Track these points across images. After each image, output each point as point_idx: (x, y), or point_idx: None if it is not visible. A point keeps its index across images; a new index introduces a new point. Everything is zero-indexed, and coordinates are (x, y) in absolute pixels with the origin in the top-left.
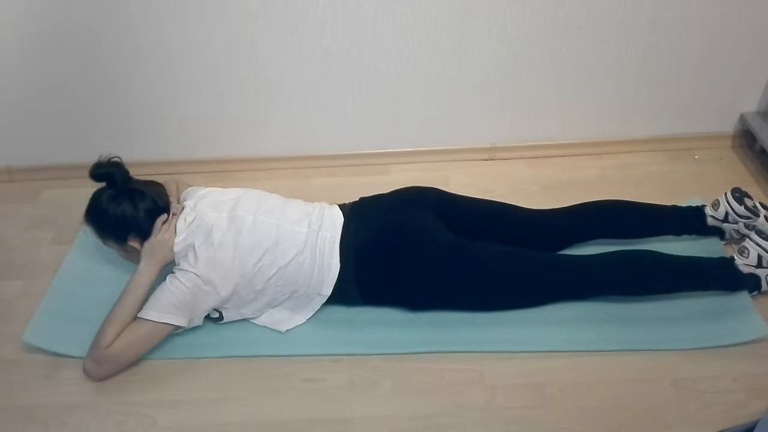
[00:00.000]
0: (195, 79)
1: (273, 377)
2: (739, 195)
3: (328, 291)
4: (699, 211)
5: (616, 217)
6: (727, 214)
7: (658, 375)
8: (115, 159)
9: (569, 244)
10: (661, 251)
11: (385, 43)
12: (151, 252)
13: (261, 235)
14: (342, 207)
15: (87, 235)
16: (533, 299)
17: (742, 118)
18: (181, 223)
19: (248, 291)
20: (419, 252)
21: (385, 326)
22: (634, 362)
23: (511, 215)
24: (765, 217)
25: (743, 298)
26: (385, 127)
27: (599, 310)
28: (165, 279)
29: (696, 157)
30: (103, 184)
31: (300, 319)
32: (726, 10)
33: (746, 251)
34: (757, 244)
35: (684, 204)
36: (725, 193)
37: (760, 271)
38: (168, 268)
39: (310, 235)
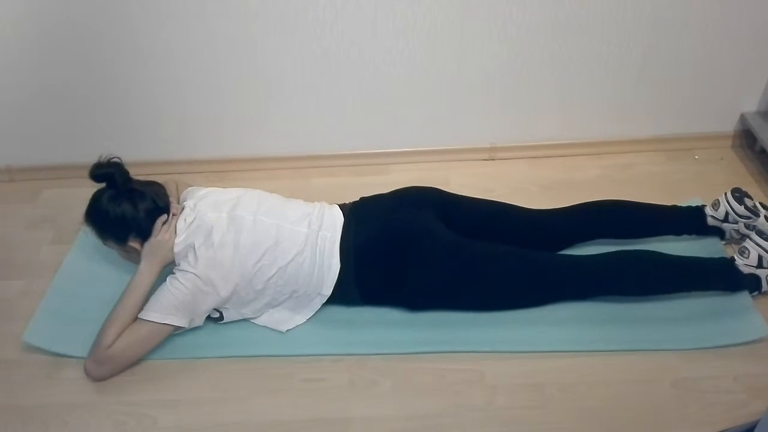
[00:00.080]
0: (195, 79)
1: (273, 377)
2: (739, 195)
3: (328, 291)
4: (699, 211)
5: (616, 217)
6: (727, 214)
7: (659, 375)
8: (115, 159)
9: (569, 244)
10: (661, 251)
11: (385, 43)
12: (152, 252)
13: (261, 235)
14: (342, 207)
15: (87, 236)
16: (533, 299)
17: (743, 118)
18: (181, 224)
19: (248, 291)
20: (419, 252)
21: (385, 326)
22: (634, 362)
23: (511, 215)
24: (765, 217)
25: (743, 298)
26: (385, 127)
27: (599, 310)
28: (165, 279)
29: (696, 157)
30: (103, 185)
31: (300, 319)
32: (726, 10)
33: (747, 251)
34: (758, 245)
35: (684, 204)
36: (725, 193)
37: (760, 272)
38: (168, 268)
39: (310, 235)
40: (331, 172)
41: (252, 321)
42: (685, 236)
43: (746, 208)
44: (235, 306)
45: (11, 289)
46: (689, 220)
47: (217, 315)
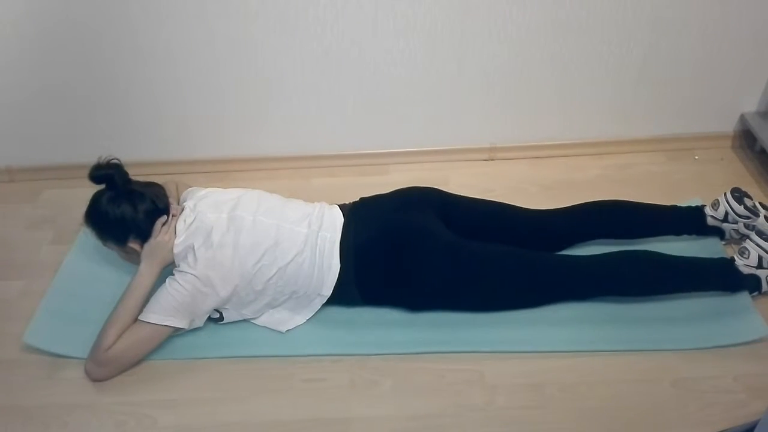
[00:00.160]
0: (195, 79)
1: (273, 377)
2: (739, 195)
3: (328, 291)
4: (699, 211)
5: (616, 217)
6: (726, 213)
7: (659, 375)
8: (115, 160)
9: (569, 244)
10: (661, 251)
11: (386, 42)
12: (151, 254)
13: (261, 235)
14: (342, 207)
15: (87, 236)
16: (533, 299)
17: (742, 119)
18: (180, 225)
19: (248, 291)
20: (419, 252)
21: (385, 326)
22: (634, 362)
23: (511, 215)
24: (765, 217)
25: (743, 298)
26: (386, 127)
27: (599, 310)
28: (165, 281)
29: (696, 157)
30: (102, 186)
31: (300, 319)
32: (726, 10)
33: (747, 252)
34: (758, 245)
35: (684, 204)
36: (725, 193)
37: (760, 272)
38: (169, 269)
39: (310, 236)
40: (331, 172)
41: (252, 321)
42: (684, 236)
43: (746, 208)
44: (235, 306)
45: (11, 289)
46: (689, 220)
47: (217, 315)
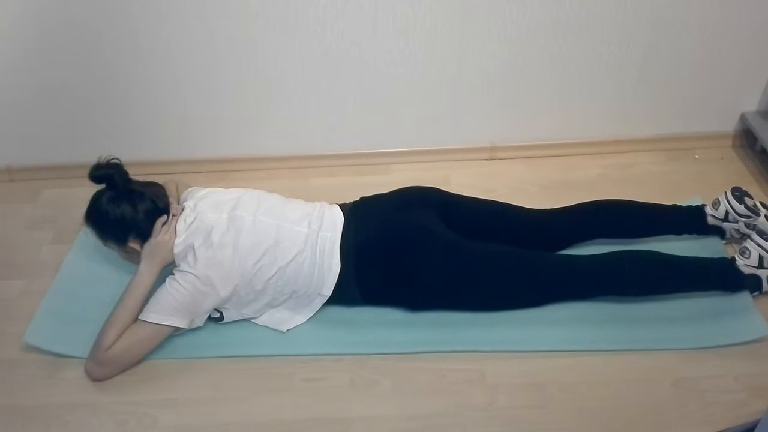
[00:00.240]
0: (195, 79)
1: (273, 377)
2: (740, 194)
3: (328, 291)
4: (699, 210)
5: (616, 217)
6: (727, 213)
7: (659, 375)
8: (115, 160)
9: (569, 244)
10: (662, 251)
11: (386, 42)
12: (151, 253)
13: (261, 235)
14: (342, 207)
15: (87, 236)
16: (533, 299)
17: (743, 118)
18: (181, 224)
19: (248, 291)
20: (420, 252)
21: (385, 326)
22: (634, 362)
23: (511, 215)
24: (765, 216)
25: (744, 297)
26: (386, 127)
27: (599, 310)
28: (165, 280)
29: (696, 156)
30: (102, 186)
31: (300, 318)
32: (726, 10)
33: (747, 252)
34: (759, 245)
35: (684, 203)
36: (725, 193)
37: (761, 272)
38: (169, 268)
39: (310, 235)
40: (331, 171)
41: (252, 321)
42: (685, 236)
43: (746, 207)
44: (235, 306)
45: (11, 288)
46: (689, 220)
47: (217, 315)
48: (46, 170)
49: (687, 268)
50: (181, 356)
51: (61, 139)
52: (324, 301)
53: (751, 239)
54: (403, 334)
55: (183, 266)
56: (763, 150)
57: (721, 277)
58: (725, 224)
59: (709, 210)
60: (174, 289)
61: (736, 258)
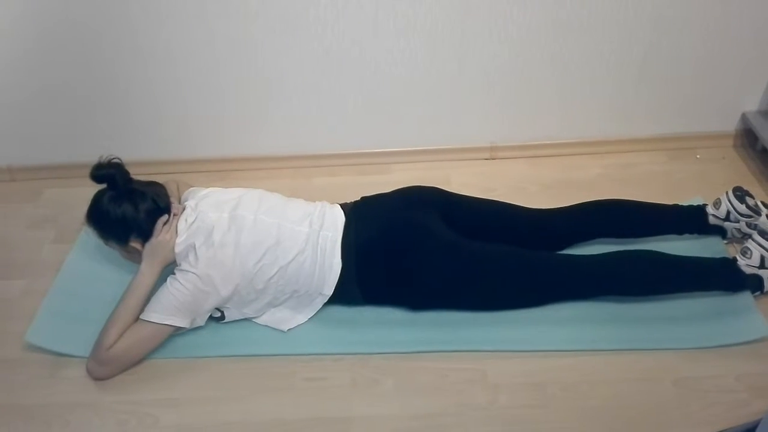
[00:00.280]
0: (195, 79)
1: (274, 376)
2: (741, 194)
3: (329, 291)
4: (700, 210)
5: (617, 217)
6: (728, 212)
7: (660, 374)
8: (116, 160)
9: (570, 243)
10: (663, 251)
11: (387, 42)
12: (153, 253)
13: (262, 234)
14: (343, 206)
15: (88, 235)
16: (534, 299)
17: (744, 118)
18: (182, 224)
19: (249, 291)
20: (421, 251)
21: (386, 325)
22: (635, 362)
23: (512, 215)
24: (767, 215)
25: (745, 297)
26: (386, 127)
27: (601, 309)
28: (166, 280)
29: (698, 156)
30: (104, 186)
31: (302, 318)
32: (727, 9)
33: (749, 252)
34: (760, 245)
35: (685, 203)
36: (727, 192)
37: (762, 272)
38: (170, 268)
39: (311, 235)
40: (332, 171)
41: (253, 320)
42: (686, 235)
43: (748, 207)
44: (236, 305)
45: (13, 288)
46: (691, 219)
47: (218, 314)
48: (48, 170)
49: (688, 268)
50: (182, 356)
51: (62, 138)
52: (325, 301)
53: (753, 239)
54: (404, 333)
55: (184, 266)
56: (764, 150)
57: (723, 277)
58: (726, 224)
59: (710, 210)
60: (175, 288)
61: (738, 258)
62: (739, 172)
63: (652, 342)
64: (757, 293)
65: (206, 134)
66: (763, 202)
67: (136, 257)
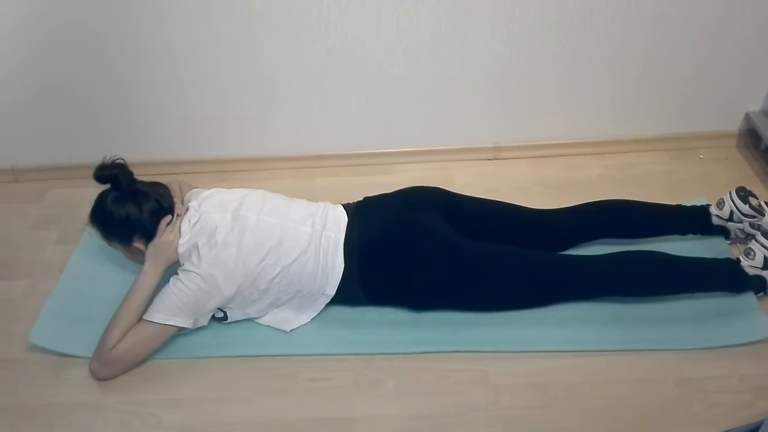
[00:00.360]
0: (198, 79)
1: (277, 377)
2: (744, 194)
3: (332, 291)
4: (704, 210)
5: (619, 217)
6: (731, 213)
7: (662, 375)
8: (119, 160)
9: (573, 244)
10: (666, 251)
11: (389, 42)
12: (156, 253)
13: (264, 234)
14: (346, 207)
15: (91, 236)
16: (536, 299)
17: (747, 117)
18: (185, 224)
19: (252, 291)
20: (423, 252)
21: (388, 326)
22: (637, 362)
23: (514, 215)
24: None
25: (748, 298)
26: (389, 127)
27: (603, 310)
28: (169, 280)
29: (701, 156)
30: (107, 186)
31: (304, 318)
32: (730, 8)
33: (752, 253)
34: (763, 246)
35: (688, 203)
36: (730, 192)
37: (766, 273)
38: (173, 268)
39: (313, 235)
40: (334, 171)
41: (256, 321)
42: (689, 236)
43: (751, 207)
44: (239, 306)
45: (16, 288)
46: (694, 220)
47: (221, 315)
48: (51, 170)
49: (691, 269)
50: (185, 356)
51: (66, 139)
52: (327, 301)
53: (756, 240)
54: (406, 334)
55: (187, 266)
56: (767, 150)
57: (726, 278)
58: (730, 224)
59: (713, 210)
60: (178, 288)
61: (741, 259)
62: (743, 172)
63: (655, 342)
64: (761, 294)
65: (209, 134)
66: (766, 203)
67: (139, 258)
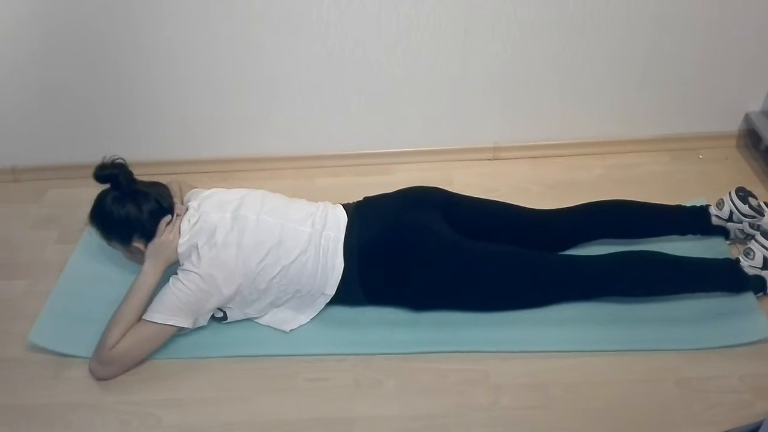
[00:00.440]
0: (198, 79)
1: (277, 377)
2: (744, 194)
3: (331, 291)
4: (703, 210)
5: (619, 217)
6: (731, 213)
7: (663, 375)
8: (119, 160)
9: (573, 244)
10: (666, 251)
11: (389, 42)
12: (156, 253)
13: (264, 234)
14: (346, 207)
15: (91, 236)
16: (536, 299)
17: (747, 118)
18: (185, 224)
19: (252, 291)
20: (423, 252)
21: (388, 326)
22: (638, 362)
23: (514, 215)
24: None
25: (748, 298)
26: (389, 127)
27: (603, 310)
28: (169, 280)
29: (701, 156)
30: (107, 186)
31: (304, 318)
32: (729, 8)
33: (752, 253)
34: (763, 246)
35: (688, 204)
36: (729, 193)
37: (765, 273)
38: (172, 268)
39: (313, 235)
40: (334, 172)
41: (256, 321)
42: (689, 236)
43: (751, 207)
44: (238, 306)
45: (16, 288)
46: (693, 220)
47: (220, 315)
48: (51, 170)
49: (691, 269)
50: (184, 356)
51: (66, 139)
52: (327, 301)
53: (756, 240)
54: (406, 334)
55: (187, 266)
56: (767, 150)
57: (726, 278)
58: (729, 224)
59: (713, 210)
60: (178, 288)
61: (741, 259)
62: (743, 172)
63: (655, 343)
64: (760, 294)
65: (209, 134)
66: (766, 203)
67: (139, 257)
